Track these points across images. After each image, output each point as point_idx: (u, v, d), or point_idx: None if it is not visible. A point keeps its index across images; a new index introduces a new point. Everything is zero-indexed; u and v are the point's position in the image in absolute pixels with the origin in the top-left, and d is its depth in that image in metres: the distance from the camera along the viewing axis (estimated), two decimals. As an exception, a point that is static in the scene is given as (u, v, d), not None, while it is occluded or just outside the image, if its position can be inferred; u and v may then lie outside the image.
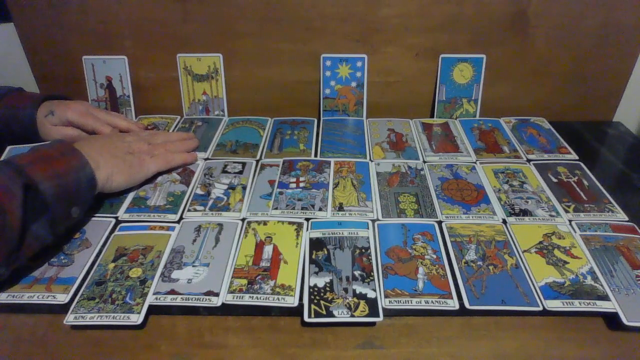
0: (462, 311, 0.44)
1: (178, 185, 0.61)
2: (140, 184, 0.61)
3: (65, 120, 0.67)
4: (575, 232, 0.53)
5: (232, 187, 0.61)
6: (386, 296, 0.45)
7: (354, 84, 0.78)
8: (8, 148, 0.67)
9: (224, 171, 0.65)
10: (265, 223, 0.55)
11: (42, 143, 0.50)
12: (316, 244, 0.51)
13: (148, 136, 0.65)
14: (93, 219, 0.56)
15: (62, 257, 0.50)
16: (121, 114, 0.77)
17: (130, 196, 0.59)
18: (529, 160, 0.67)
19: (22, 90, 0.71)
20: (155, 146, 0.64)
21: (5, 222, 0.42)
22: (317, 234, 0.53)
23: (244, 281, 0.47)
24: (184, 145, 0.67)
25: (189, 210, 0.57)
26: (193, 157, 0.67)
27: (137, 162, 0.59)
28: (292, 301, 0.45)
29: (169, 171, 0.64)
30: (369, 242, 0.51)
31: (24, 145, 0.68)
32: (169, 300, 0.45)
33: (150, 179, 0.62)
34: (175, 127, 0.77)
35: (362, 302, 0.44)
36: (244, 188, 0.61)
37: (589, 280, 0.47)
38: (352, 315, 0.43)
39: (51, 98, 0.69)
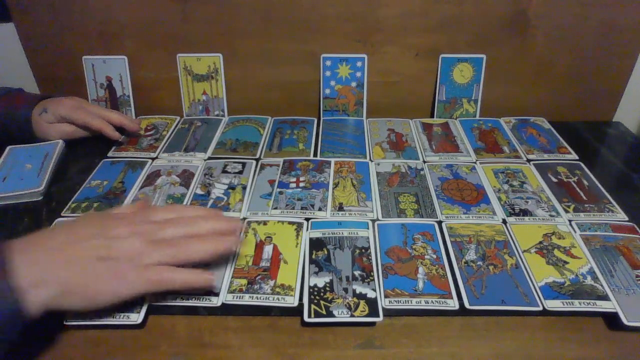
0: (462, 311, 0.44)
1: (178, 188, 0.61)
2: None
3: (59, 116, 0.67)
4: (575, 232, 0.53)
5: (232, 187, 0.61)
6: (386, 296, 0.45)
7: (354, 84, 0.78)
8: (8, 148, 0.67)
9: (224, 171, 0.65)
10: (265, 223, 0.55)
11: None
12: (316, 244, 0.51)
13: (157, 225, 0.42)
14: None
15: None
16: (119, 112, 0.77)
17: (130, 197, 0.60)
18: (529, 160, 0.67)
19: (21, 90, 0.72)
20: (159, 247, 0.40)
21: None
22: (317, 234, 0.53)
23: (244, 281, 0.47)
24: (213, 245, 0.42)
25: (189, 210, 0.57)
26: (209, 279, 0.42)
27: (108, 276, 0.38)
28: (292, 301, 0.44)
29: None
30: (368, 242, 0.51)
31: (24, 145, 0.68)
32: (169, 300, 0.45)
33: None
34: (175, 127, 0.77)
35: (362, 302, 0.44)
36: (244, 188, 0.61)
37: (589, 280, 0.47)
38: (352, 315, 0.43)
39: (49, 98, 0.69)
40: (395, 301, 0.45)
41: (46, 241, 0.39)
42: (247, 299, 0.45)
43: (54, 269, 0.37)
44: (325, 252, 0.50)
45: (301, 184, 0.62)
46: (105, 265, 0.38)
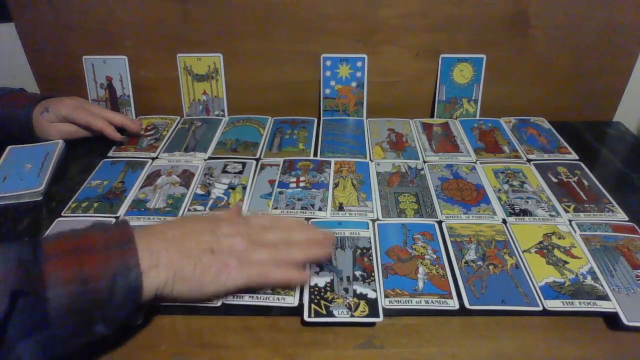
0: (462, 311, 0.44)
1: (178, 188, 0.61)
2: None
3: (60, 116, 0.68)
4: (575, 232, 0.53)
5: (232, 187, 0.61)
6: (386, 296, 0.45)
7: (354, 84, 0.78)
8: (8, 148, 0.67)
9: (224, 171, 0.65)
10: (265, 223, 0.55)
11: (95, 223, 0.40)
12: (316, 244, 0.51)
13: (258, 229, 0.46)
14: (92, 219, 0.56)
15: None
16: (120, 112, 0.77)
17: (130, 197, 0.60)
18: (529, 160, 0.67)
19: (23, 90, 0.72)
20: (261, 247, 0.44)
21: None
22: (317, 233, 0.53)
23: (244, 281, 0.47)
24: (310, 251, 0.46)
25: (189, 210, 0.57)
26: (305, 275, 0.45)
27: (217, 268, 0.41)
28: (292, 301, 0.44)
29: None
30: (370, 243, 0.51)
31: (24, 145, 0.68)
32: (245, 299, 0.44)
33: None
34: (175, 127, 0.77)
35: (362, 302, 0.44)
36: (244, 188, 0.61)
37: (589, 280, 0.47)
38: (352, 316, 0.43)
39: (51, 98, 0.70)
40: (396, 301, 0.45)
41: (163, 232, 0.42)
42: (247, 299, 0.45)
43: (169, 257, 0.40)
44: (326, 252, 0.50)
45: (301, 184, 0.62)
46: (213, 257, 0.41)
